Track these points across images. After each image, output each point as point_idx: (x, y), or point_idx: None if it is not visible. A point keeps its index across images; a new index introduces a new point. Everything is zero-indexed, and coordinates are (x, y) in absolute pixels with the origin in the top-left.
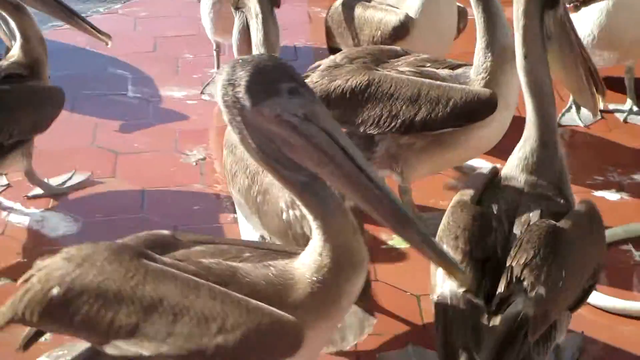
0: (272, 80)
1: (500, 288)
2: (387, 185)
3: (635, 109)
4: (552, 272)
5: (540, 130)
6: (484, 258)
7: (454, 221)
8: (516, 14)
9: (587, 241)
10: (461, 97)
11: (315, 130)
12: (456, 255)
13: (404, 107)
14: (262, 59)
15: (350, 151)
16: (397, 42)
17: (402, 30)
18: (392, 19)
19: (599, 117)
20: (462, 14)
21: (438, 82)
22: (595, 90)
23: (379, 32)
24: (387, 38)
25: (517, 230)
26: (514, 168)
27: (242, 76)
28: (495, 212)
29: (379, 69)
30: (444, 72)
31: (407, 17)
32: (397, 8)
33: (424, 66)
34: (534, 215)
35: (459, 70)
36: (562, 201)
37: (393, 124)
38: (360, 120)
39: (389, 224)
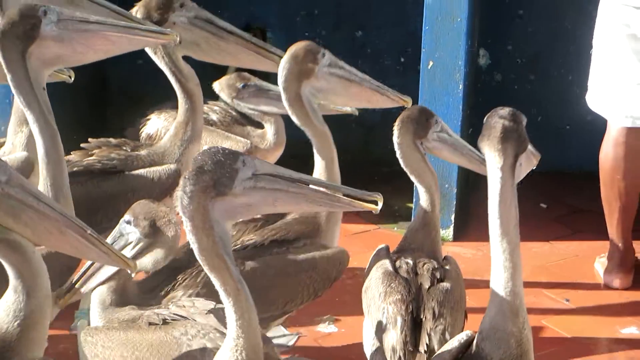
0: (225, 166)
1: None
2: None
3: None
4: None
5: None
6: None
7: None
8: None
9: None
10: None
11: (267, 178)
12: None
13: None
14: (202, 158)
15: (294, 175)
16: None
17: None
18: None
19: None
20: None
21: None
22: None
23: None
24: None
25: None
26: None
27: (201, 177)
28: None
29: None
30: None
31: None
32: None
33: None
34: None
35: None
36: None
37: None
38: None
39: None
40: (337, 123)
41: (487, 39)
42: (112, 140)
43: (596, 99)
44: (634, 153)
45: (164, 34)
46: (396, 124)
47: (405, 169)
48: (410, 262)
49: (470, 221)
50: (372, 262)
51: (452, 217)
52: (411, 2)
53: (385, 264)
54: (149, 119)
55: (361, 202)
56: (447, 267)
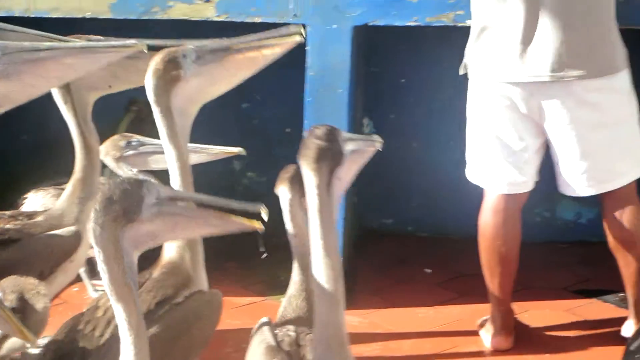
0: (132, 194)
1: None
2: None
3: None
4: None
5: None
6: None
7: None
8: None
9: None
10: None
11: (169, 202)
12: None
13: None
14: (109, 189)
15: (194, 197)
16: None
17: None
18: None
19: None
20: None
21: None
22: None
23: None
24: None
25: None
26: None
27: (111, 207)
28: None
29: None
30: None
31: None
32: None
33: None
34: None
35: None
36: None
37: None
38: None
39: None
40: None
41: (371, 109)
42: (5, 212)
43: (474, 170)
44: (512, 219)
45: (128, 47)
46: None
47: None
48: (293, 333)
49: (356, 289)
50: (254, 337)
51: None
52: (294, 74)
53: (267, 338)
54: (26, 198)
55: (250, 221)
56: None
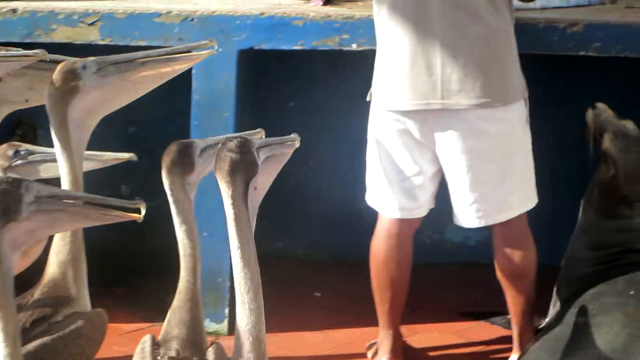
0: (11, 193)
1: None
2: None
3: None
4: None
5: None
6: None
7: None
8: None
9: None
10: None
11: (48, 200)
12: None
13: None
14: None
15: (70, 194)
16: None
17: None
18: None
19: None
20: None
21: None
22: None
23: None
24: None
25: None
26: None
27: None
28: None
29: None
30: None
31: None
32: None
33: None
34: None
35: None
36: None
37: None
38: None
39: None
40: None
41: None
42: None
43: (371, 193)
44: (405, 244)
45: (30, 56)
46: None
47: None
48: (174, 353)
49: None
50: (134, 357)
51: (226, 311)
52: (181, 98)
53: (147, 358)
54: None
55: (126, 213)
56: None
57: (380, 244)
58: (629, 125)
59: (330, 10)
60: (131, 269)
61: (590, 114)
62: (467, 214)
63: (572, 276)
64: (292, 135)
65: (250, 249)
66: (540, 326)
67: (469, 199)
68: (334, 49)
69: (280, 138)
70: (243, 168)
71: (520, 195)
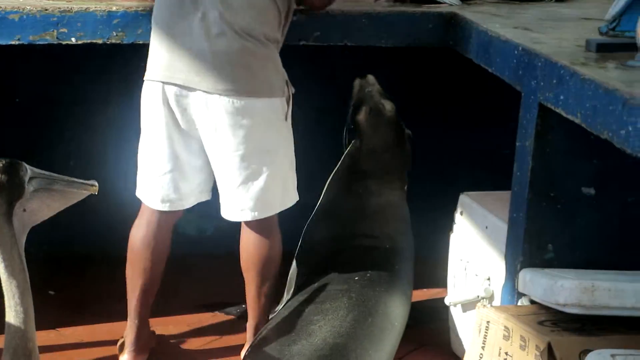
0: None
1: None
2: None
3: None
4: None
5: None
6: None
7: None
8: None
9: None
10: None
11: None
12: None
13: None
14: None
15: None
16: None
17: None
18: None
19: None
20: None
21: None
22: None
23: None
24: None
25: None
26: None
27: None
28: None
29: None
30: None
31: None
32: None
33: None
34: None
35: None
36: None
37: None
38: None
39: None
40: None
41: None
42: None
43: (139, 184)
44: (163, 232)
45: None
46: None
47: None
48: None
49: None
50: None
51: None
52: None
53: None
54: None
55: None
56: None
57: (138, 232)
58: (387, 105)
59: (48, 3)
60: None
61: (357, 83)
62: (230, 208)
63: (305, 262)
64: (91, 180)
65: (15, 260)
66: (272, 315)
67: (226, 193)
68: (53, 43)
69: (74, 179)
70: (7, 188)
71: (275, 194)
